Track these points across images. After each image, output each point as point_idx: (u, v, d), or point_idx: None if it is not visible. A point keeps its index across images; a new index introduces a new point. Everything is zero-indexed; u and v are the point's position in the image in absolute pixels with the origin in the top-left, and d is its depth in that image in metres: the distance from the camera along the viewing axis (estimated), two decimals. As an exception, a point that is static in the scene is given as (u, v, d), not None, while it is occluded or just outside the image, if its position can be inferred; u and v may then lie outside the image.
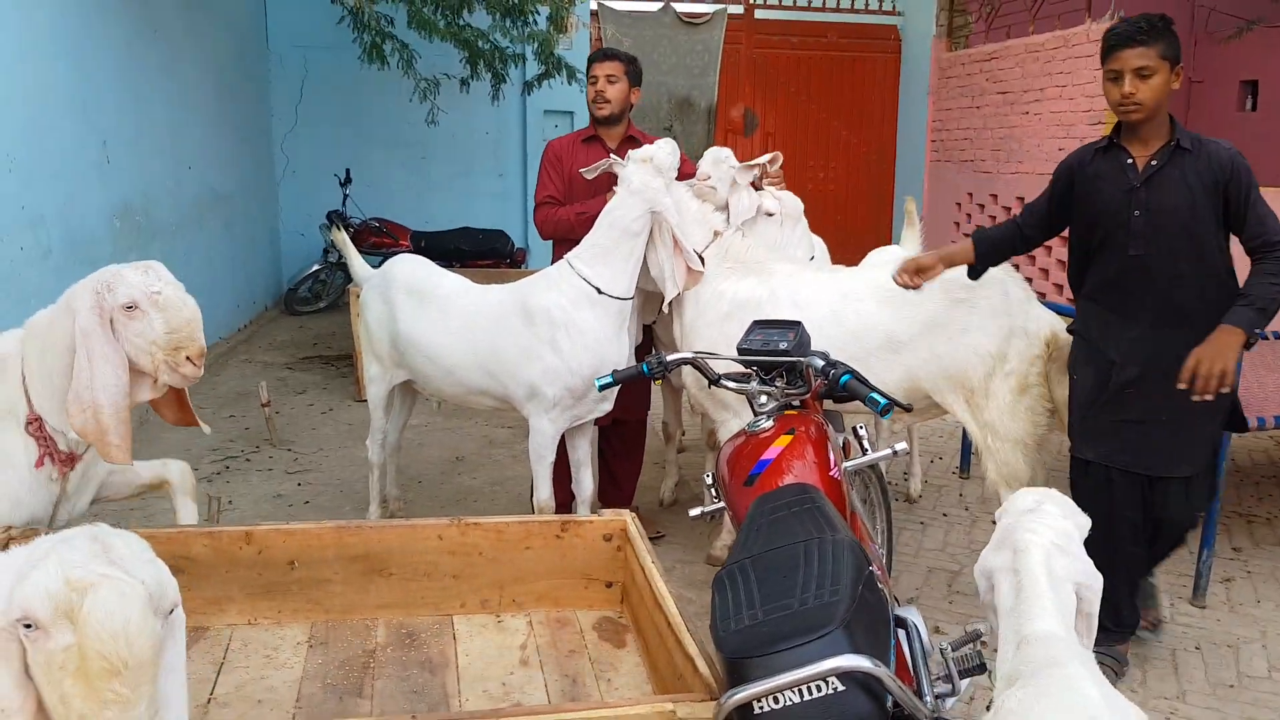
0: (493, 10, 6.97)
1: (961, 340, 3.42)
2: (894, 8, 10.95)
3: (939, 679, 2.06)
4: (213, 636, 2.46)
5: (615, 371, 2.91)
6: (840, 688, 1.65)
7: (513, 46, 7.42)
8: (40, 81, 4.85)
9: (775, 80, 10.91)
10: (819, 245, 4.45)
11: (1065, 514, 1.79)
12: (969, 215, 9.86)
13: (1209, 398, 2.75)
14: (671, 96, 10.44)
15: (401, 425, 4.33)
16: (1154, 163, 2.89)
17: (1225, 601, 3.78)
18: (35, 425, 2.36)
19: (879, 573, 2.10)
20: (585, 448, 3.84)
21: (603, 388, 2.92)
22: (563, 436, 3.72)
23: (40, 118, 4.85)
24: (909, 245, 4.72)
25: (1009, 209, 9.12)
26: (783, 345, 2.60)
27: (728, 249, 3.69)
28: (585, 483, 3.84)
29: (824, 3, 10.70)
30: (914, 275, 3.22)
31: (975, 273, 3.30)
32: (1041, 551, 1.70)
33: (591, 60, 4.15)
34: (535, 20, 7.16)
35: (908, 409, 2.62)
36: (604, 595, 2.62)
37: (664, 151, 3.64)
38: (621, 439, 4.28)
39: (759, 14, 10.84)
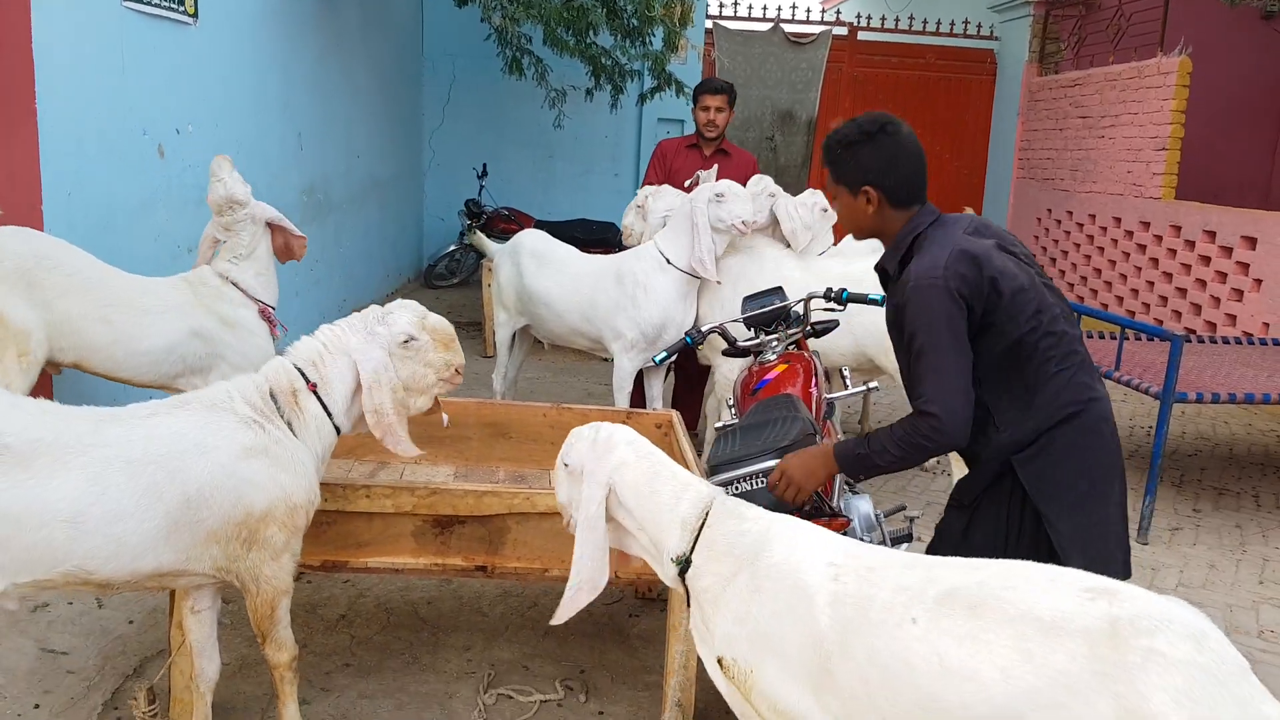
0: (615, 32, 8.18)
1: None
2: (991, 33, 11.71)
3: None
4: (393, 468, 3.65)
5: (667, 348, 3.84)
6: (775, 481, 2.70)
7: (631, 63, 8.59)
8: (257, 87, 6.23)
9: (874, 97, 11.76)
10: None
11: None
12: (1047, 229, 10.60)
13: None
14: (775, 109, 11.45)
15: (519, 364, 5.53)
16: None
17: (1166, 542, 4.64)
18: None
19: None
20: (657, 386, 4.95)
21: (659, 362, 3.93)
22: (641, 377, 4.85)
23: (256, 115, 6.24)
24: None
25: (1081, 225, 9.85)
26: (776, 302, 3.64)
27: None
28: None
29: (924, 26, 11.51)
30: None
31: None
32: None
33: (703, 91, 5.34)
34: (651, 42, 8.33)
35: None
36: (654, 465, 3.70)
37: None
38: (687, 379, 5.44)
39: (862, 35, 11.77)
